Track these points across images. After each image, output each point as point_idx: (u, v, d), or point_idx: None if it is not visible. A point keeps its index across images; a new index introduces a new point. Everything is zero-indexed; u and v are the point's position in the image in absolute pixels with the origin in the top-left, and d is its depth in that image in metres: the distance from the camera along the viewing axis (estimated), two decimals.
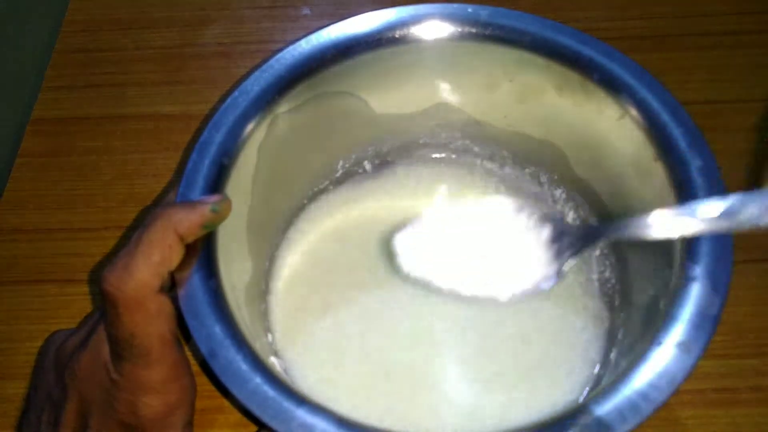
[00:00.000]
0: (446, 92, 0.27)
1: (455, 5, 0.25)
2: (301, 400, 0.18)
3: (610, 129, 0.24)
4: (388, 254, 0.24)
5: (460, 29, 0.24)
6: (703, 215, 0.15)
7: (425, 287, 0.19)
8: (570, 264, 0.18)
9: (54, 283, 0.29)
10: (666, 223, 0.16)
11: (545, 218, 0.18)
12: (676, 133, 0.22)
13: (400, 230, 0.19)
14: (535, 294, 0.18)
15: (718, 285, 0.19)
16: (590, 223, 0.19)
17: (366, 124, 0.27)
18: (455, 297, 0.19)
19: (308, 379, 0.24)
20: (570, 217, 0.28)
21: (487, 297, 0.18)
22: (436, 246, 0.18)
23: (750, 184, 0.16)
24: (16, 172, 0.32)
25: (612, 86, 0.23)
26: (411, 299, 0.26)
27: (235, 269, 0.22)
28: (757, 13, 0.35)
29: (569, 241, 0.18)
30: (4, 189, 0.32)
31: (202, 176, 0.21)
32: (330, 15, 0.35)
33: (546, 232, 0.18)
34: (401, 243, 0.18)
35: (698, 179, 0.21)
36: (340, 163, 0.29)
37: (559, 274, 0.18)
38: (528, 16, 0.24)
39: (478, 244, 0.18)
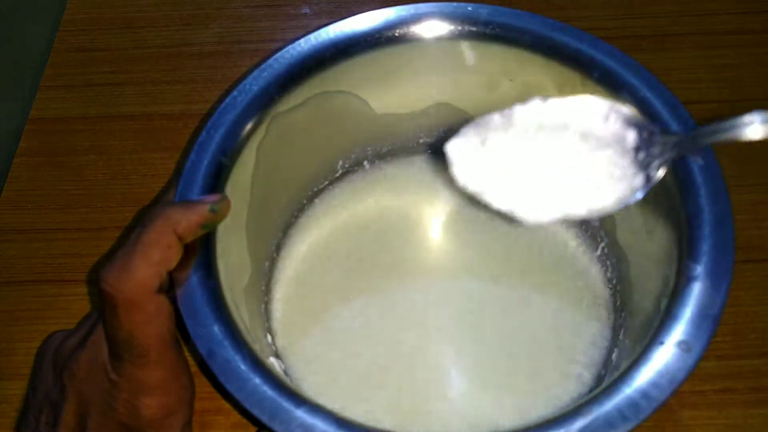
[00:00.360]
0: (446, 92, 0.27)
1: (455, 4, 0.24)
2: (301, 400, 0.18)
3: None
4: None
5: (459, 28, 0.24)
6: None
7: (483, 205, 0.15)
8: (661, 173, 0.15)
9: (52, 283, 0.28)
10: (756, 125, 0.14)
11: (629, 122, 0.15)
12: (677, 131, 0.22)
13: (456, 135, 0.16)
14: (620, 207, 0.15)
15: (719, 285, 0.19)
16: (680, 131, 0.16)
17: (365, 124, 0.27)
18: (518, 220, 0.15)
19: (308, 380, 0.24)
20: None
21: (560, 215, 0.15)
22: (497, 154, 0.15)
23: None
24: (14, 172, 0.32)
25: (612, 85, 0.23)
26: (412, 299, 0.26)
27: (234, 269, 0.22)
28: (759, 13, 0.35)
29: (659, 148, 0.15)
30: (2, 189, 0.32)
31: (200, 176, 0.21)
32: (329, 14, 0.35)
33: (630, 138, 0.15)
34: (456, 149, 0.15)
35: (699, 177, 0.21)
36: (340, 162, 0.28)
37: (649, 182, 0.15)
38: (528, 15, 0.24)
39: (548, 154, 0.15)
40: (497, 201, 0.15)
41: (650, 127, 0.15)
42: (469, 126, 0.16)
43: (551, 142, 0.15)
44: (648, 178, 0.15)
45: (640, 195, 0.15)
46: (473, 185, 0.15)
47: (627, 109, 0.16)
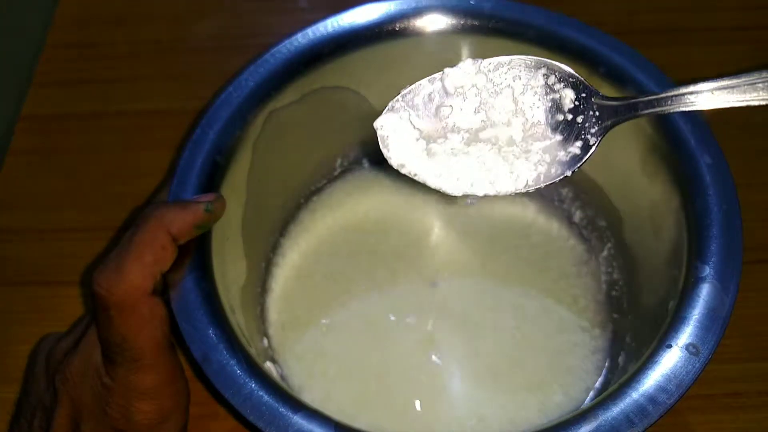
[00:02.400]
0: None
1: None
2: (298, 405, 0.18)
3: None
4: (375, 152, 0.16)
5: (462, 22, 0.24)
6: (745, 84, 0.13)
7: (419, 186, 0.14)
8: (598, 140, 0.14)
9: (44, 284, 0.28)
10: (706, 95, 0.14)
11: (567, 81, 0.14)
12: (685, 129, 0.21)
13: (385, 110, 0.14)
14: (557, 179, 0.14)
15: (727, 286, 0.19)
16: (623, 97, 0.15)
17: (365, 121, 0.26)
18: (456, 201, 0.15)
19: (305, 384, 0.24)
20: (577, 216, 0.27)
21: (497, 191, 0.14)
22: (429, 127, 0.13)
23: None
24: (6, 171, 0.31)
25: (619, 80, 0.22)
26: (412, 301, 0.25)
27: (229, 271, 0.21)
28: (766, 7, 0.34)
29: (598, 112, 0.14)
30: None
31: (195, 174, 0.21)
32: (328, 7, 0.34)
33: (568, 98, 0.14)
34: (386, 127, 0.14)
35: (707, 177, 0.21)
36: (338, 160, 0.28)
37: (588, 148, 0.14)
38: (533, 9, 0.24)
39: (483, 122, 0.13)
40: (434, 180, 0.14)
41: (589, 88, 0.14)
42: (398, 99, 0.14)
43: (486, 109, 0.14)
44: (586, 145, 0.14)
45: (579, 162, 0.14)
46: (409, 166, 0.14)
47: (565, 67, 0.15)
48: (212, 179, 0.21)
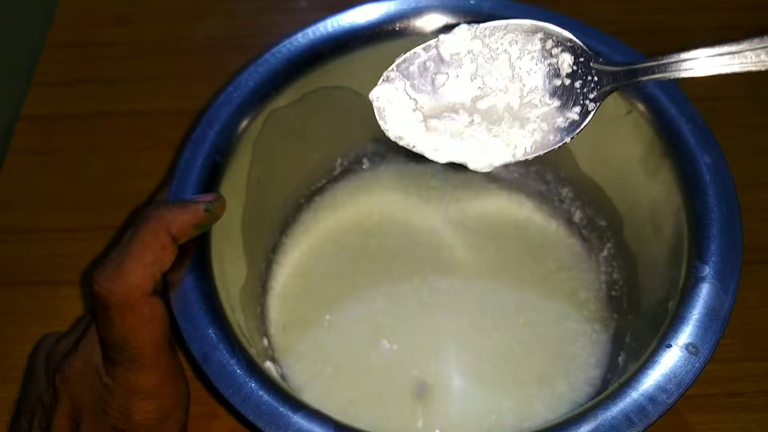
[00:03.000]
0: None
1: None
2: (298, 405, 0.18)
3: (617, 125, 0.23)
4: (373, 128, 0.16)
5: (462, 22, 0.24)
6: (741, 51, 0.13)
7: (421, 156, 0.14)
8: (597, 106, 0.14)
9: (44, 284, 0.28)
10: (705, 61, 0.13)
11: (564, 46, 0.14)
12: (685, 129, 0.21)
13: (380, 80, 0.14)
14: (555, 147, 0.14)
15: (727, 286, 0.19)
16: (621, 62, 0.14)
17: (365, 120, 0.27)
18: (458, 167, 0.14)
19: (305, 384, 0.24)
20: (577, 216, 0.27)
21: (497, 160, 0.14)
22: (426, 98, 0.13)
23: None
24: (6, 171, 0.31)
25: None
26: (413, 301, 0.25)
27: (229, 271, 0.21)
28: (767, 8, 0.34)
29: (596, 77, 0.14)
30: None
31: (194, 174, 0.21)
32: (327, 7, 0.34)
33: (566, 63, 0.14)
34: (382, 98, 0.13)
35: (707, 176, 0.21)
36: (338, 160, 0.28)
37: (586, 114, 0.13)
38: (532, 9, 0.24)
39: (480, 89, 0.13)
40: (433, 153, 0.14)
41: (587, 53, 0.14)
42: (393, 69, 0.14)
43: (482, 75, 0.13)
44: (585, 110, 0.14)
45: (577, 128, 0.14)
46: (407, 138, 0.14)
47: (563, 32, 0.14)
48: (212, 179, 0.21)
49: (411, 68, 0.14)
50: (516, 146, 0.14)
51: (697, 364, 0.18)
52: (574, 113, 0.14)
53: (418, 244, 0.27)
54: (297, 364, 0.24)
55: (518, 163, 0.28)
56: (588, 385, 0.23)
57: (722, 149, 0.21)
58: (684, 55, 0.14)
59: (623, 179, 0.24)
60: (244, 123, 0.22)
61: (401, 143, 0.14)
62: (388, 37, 0.24)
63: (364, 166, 0.29)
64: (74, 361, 0.19)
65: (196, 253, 0.20)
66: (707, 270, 0.19)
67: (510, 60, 0.14)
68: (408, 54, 0.14)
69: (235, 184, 0.22)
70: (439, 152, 0.14)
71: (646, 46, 0.24)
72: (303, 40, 0.23)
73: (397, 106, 0.14)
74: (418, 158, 0.28)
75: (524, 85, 0.14)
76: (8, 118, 0.34)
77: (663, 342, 0.18)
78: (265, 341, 0.24)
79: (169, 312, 0.19)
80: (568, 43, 0.14)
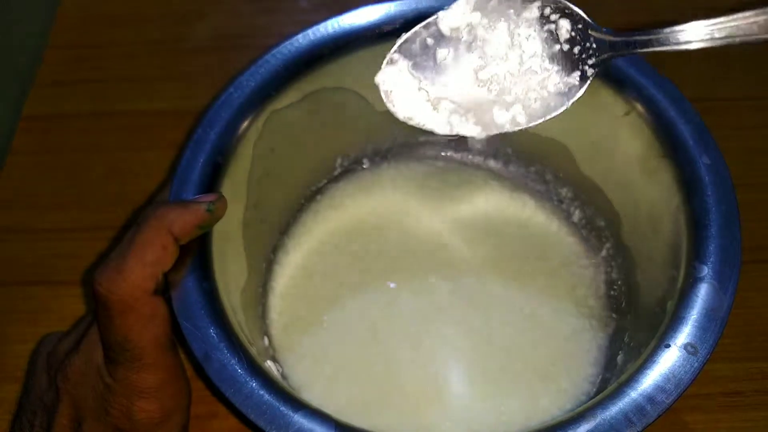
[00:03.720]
0: None
1: None
2: (299, 404, 0.18)
3: (616, 125, 0.23)
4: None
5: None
6: (737, 22, 0.14)
7: (426, 132, 0.14)
8: (595, 71, 0.14)
9: (45, 284, 0.28)
10: (702, 32, 0.14)
11: (562, 12, 0.14)
12: (684, 129, 0.21)
13: (384, 63, 0.14)
14: (558, 112, 0.14)
15: (726, 286, 0.19)
16: (621, 32, 0.15)
17: (365, 121, 0.27)
18: (465, 141, 0.15)
19: (306, 383, 0.24)
20: (576, 216, 0.27)
21: (502, 127, 0.14)
22: (429, 76, 0.13)
23: None
24: (7, 171, 0.32)
25: (618, 82, 0.22)
26: (413, 301, 0.25)
27: (230, 271, 0.21)
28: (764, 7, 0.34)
29: (595, 44, 0.14)
30: None
31: (195, 175, 0.21)
32: (328, 8, 0.34)
33: (564, 29, 0.14)
34: (387, 82, 0.14)
35: (706, 177, 0.21)
36: (339, 160, 0.28)
37: (585, 79, 0.14)
38: None
39: (482, 61, 0.13)
40: (441, 127, 0.14)
41: (585, 20, 0.14)
42: (395, 50, 0.14)
43: (482, 45, 0.14)
44: (584, 75, 0.14)
45: (577, 93, 0.14)
46: (417, 117, 0.14)
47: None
48: (213, 179, 0.21)
49: (413, 47, 0.14)
50: (519, 113, 0.14)
51: (696, 364, 0.18)
52: (573, 78, 0.14)
53: (418, 243, 0.27)
54: (297, 363, 0.24)
55: (518, 163, 0.28)
56: (588, 382, 0.23)
57: (721, 150, 0.21)
58: (679, 27, 0.15)
59: (622, 180, 0.24)
60: (245, 123, 0.22)
61: (411, 123, 0.15)
62: (389, 38, 0.24)
63: (364, 167, 0.29)
64: (75, 360, 0.19)
65: (197, 253, 0.20)
66: (706, 270, 0.19)
67: (509, 28, 0.14)
68: (409, 34, 0.15)
69: (236, 185, 0.22)
70: (446, 126, 0.14)
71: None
72: (303, 41, 0.24)
73: (402, 87, 0.14)
74: (419, 158, 0.29)
75: (524, 51, 0.14)
76: (9, 118, 0.34)
77: (662, 342, 0.18)
78: (266, 341, 0.24)
79: (171, 312, 0.19)
80: (566, 10, 0.15)
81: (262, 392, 0.18)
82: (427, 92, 0.14)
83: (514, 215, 0.27)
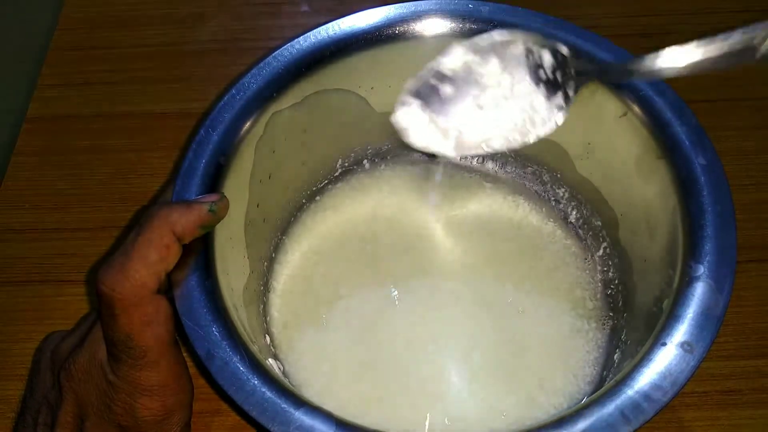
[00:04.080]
0: None
1: (456, 1, 0.24)
2: (300, 401, 0.18)
3: (612, 127, 0.23)
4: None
5: (460, 25, 0.24)
6: (715, 48, 0.15)
7: (441, 157, 0.17)
8: (576, 92, 0.16)
9: (50, 283, 0.28)
10: (676, 58, 0.15)
11: (542, 45, 0.16)
12: (680, 130, 0.22)
13: (399, 105, 0.17)
14: (550, 132, 0.16)
15: (721, 285, 0.19)
16: (593, 60, 0.18)
17: (365, 122, 0.27)
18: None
19: (307, 381, 0.24)
20: (573, 216, 0.27)
21: (502, 147, 0.16)
22: (437, 109, 0.16)
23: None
24: (11, 171, 0.32)
25: (614, 83, 0.23)
26: (412, 300, 0.26)
27: (232, 270, 0.22)
28: (761, 11, 0.34)
29: (573, 71, 0.16)
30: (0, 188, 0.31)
31: (198, 175, 0.21)
32: (329, 11, 0.35)
33: (547, 59, 0.16)
34: (401, 121, 0.17)
35: (702, 178, 0.21)
36: (339, 161, 0.28)
37: (568, 100, 0.16)
38: (529, 13, 0.24)
39: (480, 92, 0.16)
40: (452, 151, 0.16)
41: (562, 52, 0.16)
42: (404, 94, 0.17)
43: (478, 78, 0.16)
44: (567, 97, 0.16)
45: (563, 113, 0.16)
46: (432, 145, 0.16)
47: (539, 37, 0.16)
48: (215, 180, 0.21)
49: (421, 89, 0.16)
50: (513, 133, 0.16)
51: (692, 362, 0.18)
52: (558, 98, 0.16)
53: (417, 244, 0.27)
54: (298, 361, 0.24)
55: (515, 164, 0.29)
56: (585, 382, 0.23)
57: (717, 150, 0.21)
58: (651, 58, 0.16)
59: (619, 180, 0.24)
60: (247, 125, 0.23)
61: (427, 151, 0.17)
62: (388, 40, 0.24)
63: (364, 167, 0.29)
64: (79, 358, 0.19)
65: (199, 252, 0.20)
66: (702, 269, 0.19)
67: (499, 62, 0.16)
68: (413, 79, 0.17)
69: (237, 185, 0.22)
70: (456, 150, 0.17)
71: (643, 48, 0.24)
72: (305, 44, 0.24)
73: (415, 123, 0.16)
74: (418, 159, 0.29)
75: (513, 77, 0.16)
76: (14, 119, 0.34)
77: (658, 340, 0.18)
78: (267, 339, 0.25)
79: (173, 310, 0.19)
80: (548, 44, 0.17)
81: (263, 390, 0.18)
82: (437, 123, 0.16)
83: (511, 216, 0.28)
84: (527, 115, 0.16)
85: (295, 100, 0.24)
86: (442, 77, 0.16)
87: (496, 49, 0.16)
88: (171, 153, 0.31)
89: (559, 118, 0.16)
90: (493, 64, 0.16)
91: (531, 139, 0.16)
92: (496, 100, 0.16)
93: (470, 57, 0.16)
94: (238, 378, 0.18)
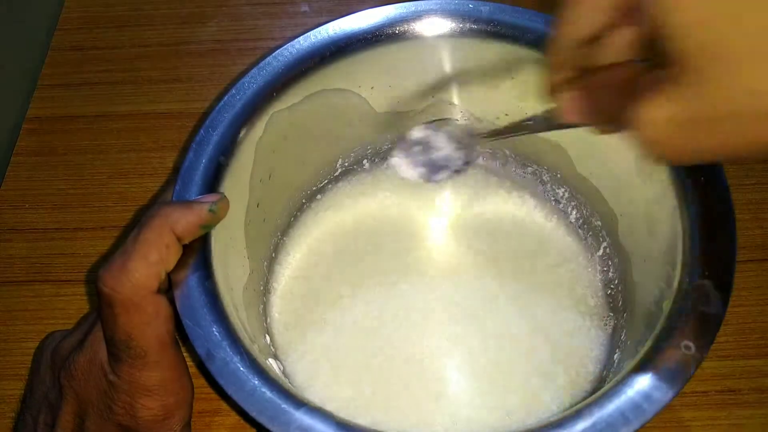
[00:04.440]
0: (447, 90, 0.26)
1: (456, 1, 0.24)
2: (300, 402, 0.18)
3: None
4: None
5: (460, 26, 0.24)
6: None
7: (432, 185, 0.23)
8: (475, 153, 0.23)
9: (50, 283, 0.28)
10: (540, 121, 0.18)
11: (446, 124, 0.22)
12: None
13: (395, 156, 0.22)
14: (462, 172, 0.22)
15: (721, 285, 0.19)
16: (482, 132, 0.22)
17: (365, 122, 0.27)
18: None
19: (307, 381, 0.24)
20: (573, 216, 0.28)
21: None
22: (418, 156, 0.22)
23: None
24: (12, 171, 0.32)
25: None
26: (413, 300, 0.26)
27: (232, 270, 0.22)
28: None
29: (469, 140, 0.22)
30: (0, 188, 0.31)
31: (198, 175, 0.21)
32: (329, 11, 0.35)
33: (448, 133, 0.22)
34: (394, 164, 0.22)
35: (701, 177, 0.21)
36: (339, 161, 0.28)
37: (471, 158, 0.22)
38: (530, 13, 0.24)
39: (439, 144, 0.22)
40: (438, 178, 0.22)
41: (454, 130, 0.22)
42: (394, 154, 0.22)
43: (433, 146, 0.23)
44: (471, 154, 0.22)
45: (466, 165, 0.22)
46: (421, 176, 0.22)
47: (440, 124, 0.22)
48: (216, 180, 0.21)
49: (404, 146, 0.22)
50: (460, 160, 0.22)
51: (692, 362, 0.18)
52: (470, 152, 0.22)
53: (417, 243, 0.27)
54: (298, 362, 0.24)
55: (515, 163, 0.29)
56: (587, 380, 0.23)
57: None
58: (519, 121, 0.20)
59: (619, 180, 0.24)
60: (247, 125, 0.23)
61: (421, 180, 0.22)
62: (389, 40, 0.24)
63: (364, 167, 0.29)
64: (79, 358, 0.19)
65: (199, 252, 0.20)
66: (702, 270, 0.19)
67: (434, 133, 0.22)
68: (399, 143, 0.22)
69: (238, 185, 0.22)
70: (440, 176, 0.22)
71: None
72: (305, 44, 0.24)
73: (406, 165, 0.22)
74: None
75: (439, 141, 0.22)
76: (14, 119, 0.34)
77: (658, 340, 0.19)
78: (267, 339, 0.25)
79: (174, 310, 0.19)
80: (448, 124, 0.23)
81: (263, 390, 0.18)
82: (424, 168, 0.22)
83: (511, 215, 0.28)
84: (461, 154, 0.22)
85: (295, 100, 0.24)
86: (415, 140, 0.22)
87: (432, 127, 0.22)
88: (171, 153, 0.31)
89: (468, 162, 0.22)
90: (438, 134, 0.22)
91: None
92: (447, 151, 0.22)
93: (425, 132, 0.22)
94: (238, 378, 0.18)
